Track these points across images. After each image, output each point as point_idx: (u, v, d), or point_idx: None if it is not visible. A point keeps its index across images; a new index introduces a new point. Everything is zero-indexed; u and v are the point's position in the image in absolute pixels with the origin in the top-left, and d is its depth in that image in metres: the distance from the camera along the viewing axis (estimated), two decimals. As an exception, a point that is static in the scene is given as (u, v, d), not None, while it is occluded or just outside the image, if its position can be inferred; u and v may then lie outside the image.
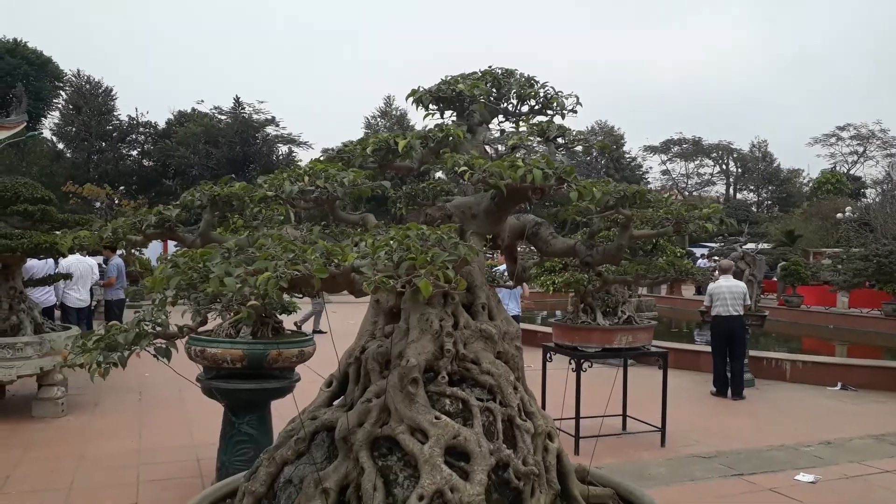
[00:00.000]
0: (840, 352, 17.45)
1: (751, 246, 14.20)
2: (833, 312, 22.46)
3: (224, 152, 41.92)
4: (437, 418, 2.26)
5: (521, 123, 2.94)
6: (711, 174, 65.14)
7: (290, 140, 47.38)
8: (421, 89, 2.88)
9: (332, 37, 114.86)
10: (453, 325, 2.46)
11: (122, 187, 38.85)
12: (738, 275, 11.26)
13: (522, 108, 2.98)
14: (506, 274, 3.79)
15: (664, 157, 64.24)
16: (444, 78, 2.87)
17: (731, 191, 63.87)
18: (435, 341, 2.37)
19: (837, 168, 57.72)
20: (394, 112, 54.89)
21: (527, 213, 3.00)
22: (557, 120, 2.88)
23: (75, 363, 1.77)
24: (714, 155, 63.75)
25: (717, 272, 10.80)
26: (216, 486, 2.79)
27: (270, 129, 46.75)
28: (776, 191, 62.02)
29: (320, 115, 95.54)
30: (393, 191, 2.99)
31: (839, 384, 11.06)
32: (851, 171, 58.11)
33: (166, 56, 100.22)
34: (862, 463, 7.13)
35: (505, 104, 2.96)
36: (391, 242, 1.78)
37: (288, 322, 6.26)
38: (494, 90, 2.87)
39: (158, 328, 1.85)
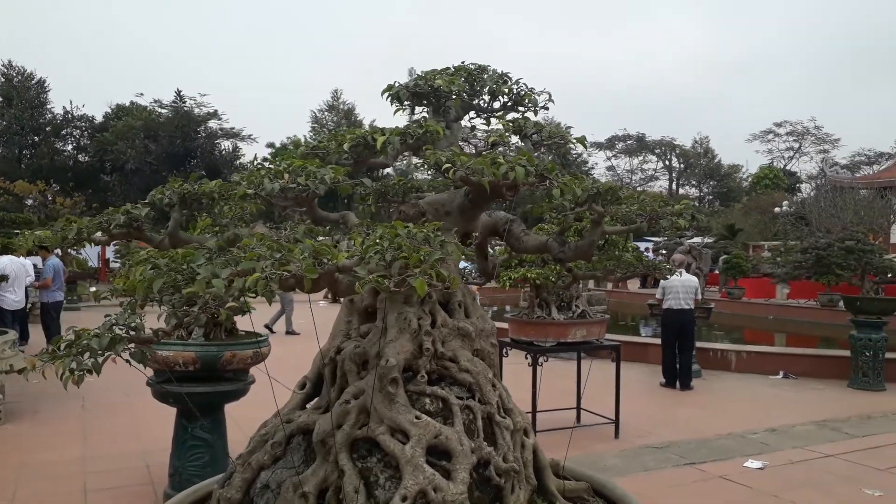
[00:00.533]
0: (780, 342, 18.13)
1: (696, 240, 14.67)
2: (773, 304, 23.36)
3: (164, 147, 40.65)
4: (417, 418, 2.24)
5: (495, 120, 2.93)
6: (655, 170, 66.74)
7: (234, 134, 46.29)
8: (397, 84, 2.83)
9: (276, 29, 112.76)
10: (431, 324, 2.43)
11: (55, 185, 37.29)
12: (686, 268, 11.53)
13: (494, 104, 2.97)
14: (475, 271, 3.78)
15: (609, 154, 65.50)
16: (420, 73, 2.83)
17: (675, 186, 65.61)
18: (413, 340, 2.34)
19: (775, 164, 59.96)
20: (341, 106, 54.29)
21: (497, 211, 3.00)
22: (530, 116, 2.88)
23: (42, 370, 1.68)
24: (657, 151, 65.34)
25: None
26: (184, 494, 2.70)
27: (213, 123, 45.59)
28: (717, 186, 63.97)
29: (264, 109, 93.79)
30: (363, 188, 2.95)
31: (781, 373, 11.49)
32: (788, 167, 60.42)
33: (103, 48, 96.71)
34: (805, 448, 7.42)
35: (477, 101, 2.94)
36: (382, 242, 1.75)
37: (242, 323, 6.10)
38: (468, 86, 2.85)
39: (132, 332, 1.77)
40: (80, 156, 45.33)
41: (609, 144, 64.67)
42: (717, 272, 24.99)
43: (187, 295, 1.63)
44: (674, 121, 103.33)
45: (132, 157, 39.65)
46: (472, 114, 3.00)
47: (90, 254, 28.53)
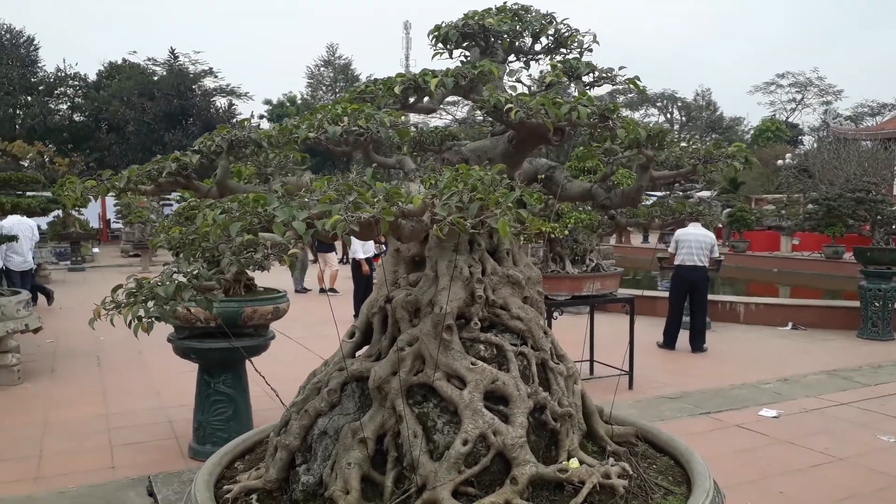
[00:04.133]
0: (784, 294, 18.23)
1: (705, 193, 14.58)
2: (777, 256, 23.41)
3: (161, 105, 40.12)
4: (473, 364, 2.23)
5: (538, 61, 2.85)
6: (657, 123, 66.15)
7: (230, 92, 45.71)
8: (444, 24, 2.75)
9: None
10: (481, 272, 2.41)
11: (52, 144, 36.90)
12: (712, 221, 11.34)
13: (535, 46, 2.89)
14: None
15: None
16: (467, 13, 2.74)
17: (677, 139, 64.85)
18: (465, 288, 2.31)
19: (777, 115, 59.38)
20: (338, 61, 53.48)
21: (539, 158, 2.94)
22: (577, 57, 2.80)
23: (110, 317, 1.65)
24: (659, 104, 64.64)
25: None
26: (233, 443, 2.71)
27: (208, 81, 44.95)
28: (720, 138, 63.43)
29: (258, 66, 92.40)
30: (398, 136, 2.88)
31: (790, 324, 11.56)
32: (790, 119, 59.85)
33: (93, 4, 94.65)
34: (818, 397, 7.51)
35: (518, 42, 2.86)
36: (457, 183, 1.71)
37: (261, 279, 6.08)
38: (512, 27, 2.76)
39: (195, 280, 1.74)
40: (74, 115, 44.75)
41: (610, 98, 63.97)
42: (719, 226, 24.99)
43: (254, 240, 1.60)
44: (674, 75, 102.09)
45: (131, 118, 39.17)
46: (512, 56, 2.92)
47: (90, 215, 28.42)
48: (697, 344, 9.82)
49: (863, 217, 10.90)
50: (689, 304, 9.92)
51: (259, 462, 2.48)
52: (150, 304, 1.69)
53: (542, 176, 2.85)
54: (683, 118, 65.07)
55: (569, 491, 2.16)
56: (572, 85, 2.88)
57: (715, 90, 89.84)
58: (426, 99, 2.55)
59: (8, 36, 42.30)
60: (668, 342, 10.01)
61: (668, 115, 65.48)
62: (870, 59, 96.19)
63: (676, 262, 9.92)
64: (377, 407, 2.25)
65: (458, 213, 1.64)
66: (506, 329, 2.45)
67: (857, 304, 10.97)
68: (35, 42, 43.30)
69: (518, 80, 2.80)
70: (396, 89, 2.41)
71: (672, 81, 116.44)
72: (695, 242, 9.70)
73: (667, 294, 10.52)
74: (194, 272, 1.73)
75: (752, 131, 57.83)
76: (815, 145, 35.74)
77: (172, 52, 44.28)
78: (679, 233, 9.97)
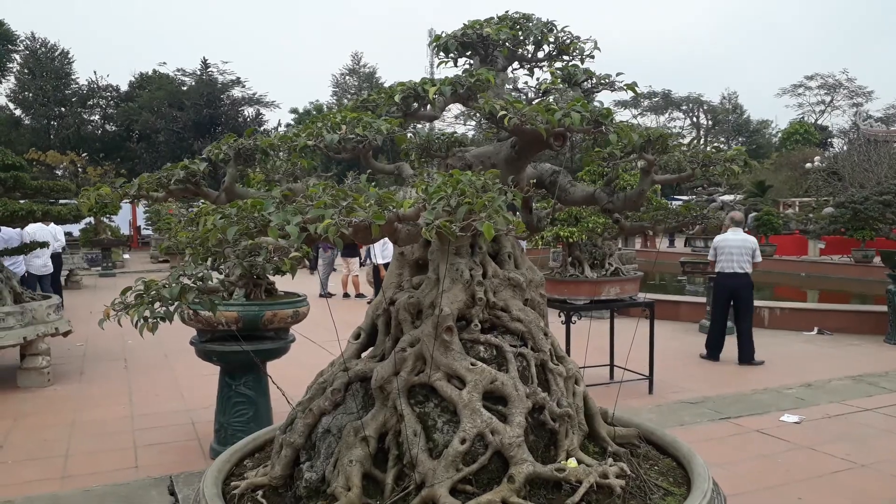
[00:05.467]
0: (812, 298, 17.94)
1: (728, 197, 14.39)
2: (805, 260, 23.04)
3: (190, 115, 40.90)
4: (473, 364, 2.28)
5: (541, 69, 2.90)
6: (682, 127, 65.53)
7: (258, 101, 46.40)
8: (444, 34, 2.81)
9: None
10: (482, 274, 2.46)
11: (84, 154, 37.79)
12: (718, 226, 11.17)
13: (538, 53, 2.94)
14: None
15: (635, 112, 64.36)
16: (466, 23, 2.80)
17: (703, 143, 64.38)
18: (466, 290, 2.37)
19: (805, 118, 58.48)
20: (362, 69, 53.92)
21: (543, 163, 2.99)
22: (578, 64, 2.84)
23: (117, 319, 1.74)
24: (684, 108, 64.04)
25: (725, 223, 9.88)
26: (243, 442, 2.79)
27: (236, 91, 45.70)
28: (746, 142, 62.61)
29: (284, 75, 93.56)
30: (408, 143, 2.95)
31: (815, 329, 11.39)
32: (819, 121, 58.89)
33: (124, 17, 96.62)
34: (842, 402, 7.39)
35: (521, 50, 2.91)
36: (446, 188, 1.76)
37: (282, 283, 6.20)
38: (512, 36, 2.81)
39: (199, 282, 1.81)
40: (107, 125, 45.79)
41: (634, 102, 63.49)
42: (746, 230, 24.67)
43: (257, 243, 1.67)
44: (700, 78, 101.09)
45: (161, 128, 40.00)
46: (514, 64, 2.97)
47: (121, 222, 29.03)
48: (745, 356, 9.28)
49: (890, 220, 10.71)
50: (733, 314, 9.46)
51: (267, 460, 2.56)
52: (157, 305, 1.77)
53: (548, 180, 2.89)
54: (710, 122, 64.39)
55: (566, 490, 2.19)
56: (594, 91, 2.91)
57: (741, 93, 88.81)
58: (428, 107, 2.61)
59: (43, 50, 43.45)
60: (711, 354, 9.54)
61: (694, 119, 64.84)
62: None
63: (717, 270, 9.50)
64: (379, 406, 2.31)
65: (447, 217, 1.70)
66: (506, 331, 2.49)
67: (885, 308, 10.77)
68: (69, 55, 44.42)
69: (516, 88, 2.85)
70: (396, 98, 2.48)
71: (698, 84, 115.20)
72: (735, 248, 9.26)
73: (685, 297, 10.24)
74: (199, 275, 1.81)
75: (780, 134, 57.03)
76: (845, 148, 35.08)
77: (204, 61, 45.15)
78: (717, 239, 9.58)
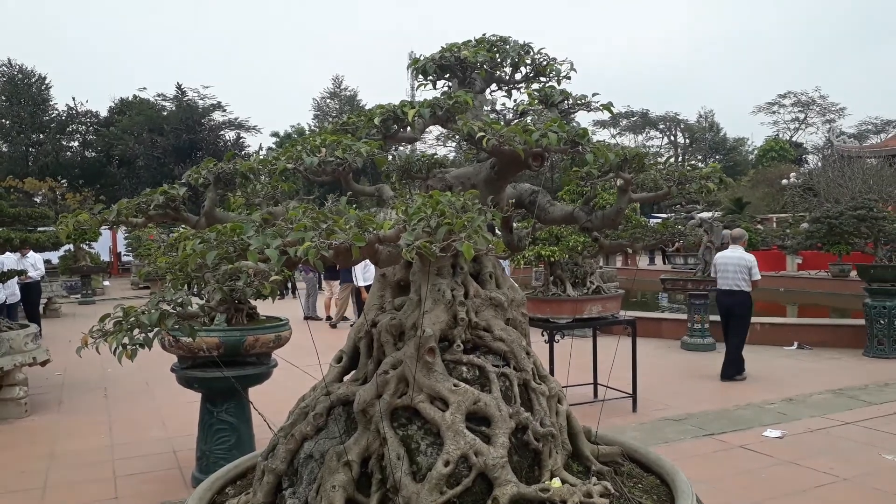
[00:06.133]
0: (791, 313, 18.14)
1: (706, 214, 14.58)
2: (784, 275, 23.32)
3: (170, 140, 40.74)
4: (455, 385, 2.28)
5: (519, 90, 2.94)
6: (660, 146, 66.37)
7: (238, 125, 46.36)
8: (422, 58, 2.85)
9: (274, 17, 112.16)
10: (464, 295, 2.47)
11: (63, 180, 37.45)
12: (696, 243, 11.30)
13: (516, 75, 2.98)
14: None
15: (614, 131, 65.13)
16: (444, 45, 2.84)
17: (680, 161, 65.21)
18: (448, 311, 2.37)
19: (780, 135, 59.52)
20: (344, 93, 54.15)
21: (522, 183, 3.02)
22: (554, 85, 2.89)
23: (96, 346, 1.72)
24: (661, 126, 64.94)
25: (725, 240, 9.78)
26: (225, 469, 2.75)
27: (217, 115, 45.63)
28: (723, 159, 63.42)
29: (265, 99, 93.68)
30: (388, 165, 2.98)
31: (795, 343, 11.49)
32: (794, 138, 59.95)
33: (101, 43, 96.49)
34: (823, 416, 7.46)
35: (499, 72, 2.96)
36: (425, 209, 1.77)
37: (263, 308, 6.15)
38: (491, 57, 2.86)
39: (178, 308, 1.81)
40: (86, 151, 45.47)
41: (612, 122, 64.29)
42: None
43: (237, 267, 1.67)
44: (677, 97, 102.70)
45: (141, 153, 39.79)
46: (493, 86, 3.01)
47: (101, 248, 28.73)
48: (727, 372, 9.30)
49: (865, 234, 10.89)
50: (725, 329, 9.48)
51: (249, 487, 2.52)
52: (136, 331, 1.76)
53: (527, 200, 2.92)
54: (687, 140, 65.29)
55: (551, 510, 2.19)
56: (571, 111, 2.96)
57: (718, 111, 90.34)
58: (408, 129, 2.63)
59: (20, 76, 43.16)
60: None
61: (672, 138, 65.75)
62: (873, 76, 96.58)
63: (717, 287, 9.52)
64: (362, 430, 2.30)
65: (427, 238, 1.71)
66: (488, 350, 2.50)
67: (862, 322, 10.91)
68: (47, 81, 44.16)
69: (494, 110, 2.89)
70: (376, 120, 2.50)
71: (675, 104, 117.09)
72: (731, 265, 9.22)
73: (667, 314, 10.27)
74: (179, 300, 1.80)
75: (755, 151, 57.97)
76: (820, 164, 35.76)
77: (179, 87, 45.06)
78: (717, 256, 9.57)
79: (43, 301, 16.92)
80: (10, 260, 12.18)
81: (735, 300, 9.25)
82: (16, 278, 12.16)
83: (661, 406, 8.07)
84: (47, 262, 16.59)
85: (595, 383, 8.67)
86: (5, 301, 11.69)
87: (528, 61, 2.88)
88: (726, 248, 9.70)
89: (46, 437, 7.20)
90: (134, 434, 7.25)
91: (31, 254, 13.57)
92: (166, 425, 7.54)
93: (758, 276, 9.26)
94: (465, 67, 2.83)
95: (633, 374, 8.04)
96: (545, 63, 2.89)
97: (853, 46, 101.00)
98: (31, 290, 13.50)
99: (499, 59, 2.87)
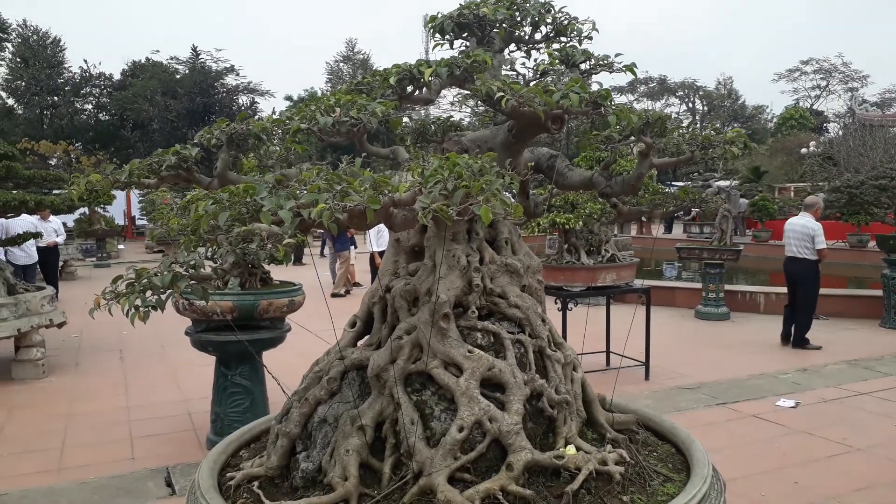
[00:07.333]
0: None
1: (724, 183, 14.36)
2: (800, 246, 23.02)
3: (184, 104, 40.60)
4: (470, 351, 2.25)
5: (539, 50, 2.85)
6: (678, 113, 65.31)
7: (252, 89, 46.09)
8: (440, 15, 2.76)
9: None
10: (479, 261, 2.43)
11: (78, 143, 37.56)
12: (714, 210, 11.15)
13: (535, 35, 2.89)
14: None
15: (631, 98, 64.14)
16: (462, 2, 2.75)
17: (698, 128, 63.94)
18: (463, 277, 2.34)
19: (800, 103, 58.35)
20: (357, 56, 53.61)
21: (540, 147, 2.95)
22: (576, 45, 2.80)
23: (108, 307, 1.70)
24: (680, 93, 63.85)
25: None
26: (239, 432, 2.76)
27: (230, 79, 45.36)
28: (742, 127, 62.25)
29: (279, 63, 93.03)
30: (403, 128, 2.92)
31: (811, 313, 11.37)
32: (814, 106, 58.77)
33: (114, 3, 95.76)
34: (838, 387, 7.41)
35: (518, 32, 2.87)
36: (442, 171, 1.72)
37: (276, 273, 6.15)
38: (509, 16, 2.76)
39: (191, 270, 1.78)
40: (100, 114, 45.45)
41: (630, 88, 63.30)
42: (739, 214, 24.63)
43: (250, 229, 1.63)
44: (695, 63, 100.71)
45: (155, 116, 39.71)
46: (512, 46, 2.93)
47: (116, 212, 28.89)
48: (795, 340, 9.29)
49: (885, 205, 10.70)
50: (792, 298, 9.42)
51: (263, 450, 2.53)
52: (148, 293, 1.74)
53: (545, 165, 2.85)
54: (705, 107, 64.26)
55: (565, 477, 2.17)
56: (592, 72, 2.86)
57: (737, 78, 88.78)
58: (424, 89, 2.57)
59: (35, 37, 42.99)
60: (783, 334, 9.51)
61: (690, 105, 64.71)
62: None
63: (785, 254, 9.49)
64: (376, 395, 2.29)
65: (443, 201, 1.66)
66: (503, 317, 2.47)
67: (880, 293, 10.79)
68: (61, 43, 43.98)
69: (513, 69, 2.80)
70: (392, 80, 2.43)
71: (693, 70, 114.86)
72: (793, 233, 9.21)
73: (680, 283, 10.19)
74: (191, 262, 1.77)
75: (775, 120, 56.95)
76: (841, 133, 35.06)
77: (194, 49, 44.74)
78: (787, 223, 9.54)
79: (59, 264, 17.09)
80: (25, 222, 12.28)
81: (798, 267, 9.20)
82: (32, 240, 12.28)
83: (673, 374, 8.06)
84: (63, 225, 16.70)
85: (608, 351, 8.66)
86: (25, 263, 11.86)
87: (549, 20, 2.79)
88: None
89: (64, 398, 7.30)
90: (149, 396, 7.34)
91: (52, 217, 13.66)
92: (181, 388, 7.63)
93: (822, 245, 9.11)
94: (483, 25, 2.74)
95: (647, 343, 8.02)
96: (566, 22, 2.80)
97: (878, 13, 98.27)
98: (49, 254, 13.59)
99: (518, 18, 2.78)
